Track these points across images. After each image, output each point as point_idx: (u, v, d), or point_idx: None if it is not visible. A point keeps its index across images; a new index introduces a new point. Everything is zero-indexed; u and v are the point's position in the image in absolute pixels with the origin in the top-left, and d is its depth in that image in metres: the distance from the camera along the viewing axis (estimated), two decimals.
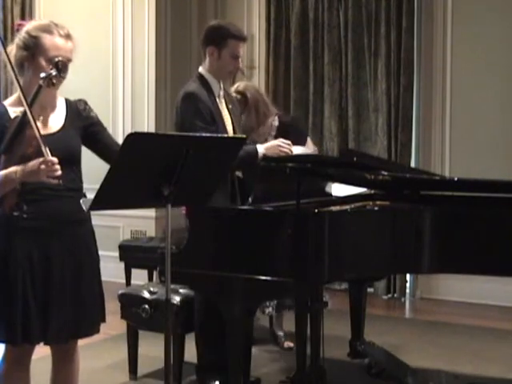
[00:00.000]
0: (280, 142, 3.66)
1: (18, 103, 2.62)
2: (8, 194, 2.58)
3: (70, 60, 2.67)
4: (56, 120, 2.73)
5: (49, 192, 2.61)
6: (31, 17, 7.19)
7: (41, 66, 2.61)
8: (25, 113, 2.51)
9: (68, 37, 2.69)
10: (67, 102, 2.81)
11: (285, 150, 3.61)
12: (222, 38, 3.63)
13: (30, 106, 2.51)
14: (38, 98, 2.54)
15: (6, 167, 2.55)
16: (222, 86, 3.75)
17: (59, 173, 2.49)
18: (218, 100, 3.70)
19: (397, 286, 6.25)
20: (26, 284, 2.62)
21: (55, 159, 2.48)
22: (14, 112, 2.62)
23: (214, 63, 3.67)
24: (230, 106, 3.79)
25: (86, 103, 2.84)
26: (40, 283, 2.65)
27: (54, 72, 2.56)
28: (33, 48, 2.62)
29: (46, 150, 2.47)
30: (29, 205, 2.61)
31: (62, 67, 2.58)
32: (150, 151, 2.46)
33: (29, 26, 2.68)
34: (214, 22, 3.86)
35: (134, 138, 2.41)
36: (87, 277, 2.83)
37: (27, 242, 2.63)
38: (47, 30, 2.64)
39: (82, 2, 7.02)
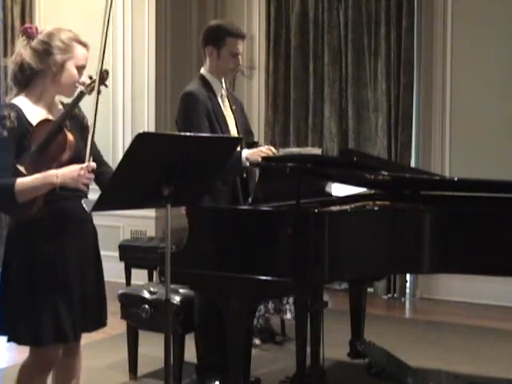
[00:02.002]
0: (264, 147, 3.66)
1: (35, 102, 2.69)
2: (39, 196, 2.61)
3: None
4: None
5: (63, 193, 2.65)
6: (31, 17, 7.19)
7: (72, 73, 2.71)
8: (62, 118, 2.64)
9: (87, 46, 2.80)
10: (64, 105, 2.85)
11: (265, 152, 3.61)
12: (219, 37, 3.63)
13: (69, 113, 2.65)
14: (78, 104, 2.70)
15: (35, 170, 2.58)
16: (224, 85, 3.75)
17: (92, 180, 2.60)
18: (220, 100, 3.70)
19: (397, 285, 6.25)
20: (51, 285, 2.67)
21: (94, 165, 2.59)
22: (33, 115, 2.67)
23: (214, 63, 3.67)
24: (233, 107, 3.78)
25: (80, 109, 2.87)
26: (61, 283, 2.70)
27: (95, 82, 2.65)
28: (63, 54, 2.69)
29: (90, 157, 2.58)
30: (48, 206, 2.64)
31: (106, 77, 2.68)
32: (155, 151, 2.47)
33: (56, 32, 2.73)
34: (212, 22, 3.87)
35: (143, 137, 2.42)
36: (95, 273, 2.91)
37: (49, 243, 2.68)
38: (77, 39, 2.75)
39: (82, 1, 7.01)
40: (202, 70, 3.75)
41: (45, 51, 2.69)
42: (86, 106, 2.88)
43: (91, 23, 6.88)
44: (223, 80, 3.76)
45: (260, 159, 3.50)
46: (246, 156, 3.55)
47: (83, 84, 2.70)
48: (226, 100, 3.76)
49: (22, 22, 7.10)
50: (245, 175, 3.70)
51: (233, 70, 3.76)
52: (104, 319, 2.89)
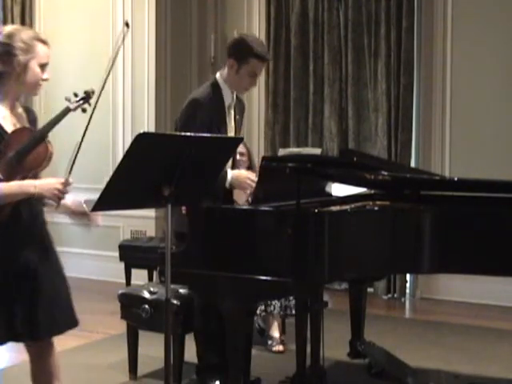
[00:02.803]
0: (248, 177, 3.62)
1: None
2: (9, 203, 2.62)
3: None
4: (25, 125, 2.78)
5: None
6: (31, 17, 7.20)
7: (35, 72, 2.71)
8: (46, 130, 2.64)
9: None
10: (28, 111, 2.87)
11: (249, 184, 3.59)
12: (244, 55, 3.57)
13: (53, 126, 2.64)
14: (62, 119, 2.69)
15: (9, 177, 2.59)
16: (234, 97, 3.73)
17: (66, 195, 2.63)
18: (226, 110, 3.69)
19: (397, 285, 6.25)
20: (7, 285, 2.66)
21: (72, 181, 2.62)
22: (4, 120, 2.66)
23: (232, 76, 3.63)
24: (237, 117, 3.78)
25: (34, 112, 2.91)
26: (33, 285, 2.69)
27: (83, 101, 2.70)
28: (26, 55, 2.68)
29: (71, 173, 2.61)
30: (16, 209, 2.65)
31: (92, 95, 2.72)
32: (155, 151, 2.47)
33: (17, 32, 2.72)
34: (242, 35, 3.85)
35: (143, 137, 2.42)
36: (61, 271, 2.88)
37: (21, 244, 2.68)
38: (38, 38, 2.74)
39: (82, 2, 7.02)
40: (218, 76, 3.70)
41: (7, 53, 2.68)
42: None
43: (91, 23, 6.94)
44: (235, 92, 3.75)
45: (244, 188, 3.57)
46: (230, 182, 3.56)
47: (46, 80, 2.73)
48: (233, 110, 3.74)
49: (22, 22, 7.11)
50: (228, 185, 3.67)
51: (247, 88, 3.74)
52: (75, 318, 2.86)
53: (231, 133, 3.70)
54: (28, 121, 2.80)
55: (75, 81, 6.65)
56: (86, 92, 2.72)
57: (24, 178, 2.61)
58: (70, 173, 2.63)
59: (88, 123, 2.62)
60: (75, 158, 2.62)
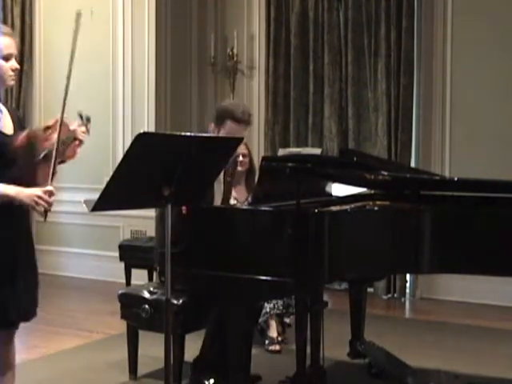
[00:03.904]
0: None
1: None
2: None
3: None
4: (7, 123, 2.77)
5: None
6: (31, 17, 7.20)
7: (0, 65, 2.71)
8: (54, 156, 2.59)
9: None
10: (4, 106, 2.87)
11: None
12: (221, 118, 3.59)
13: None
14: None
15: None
16: None
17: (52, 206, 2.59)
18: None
19: (397, 285, 6.25)
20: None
21: (53, 190, 2.58)
22: None
23: None
24: (228, 179, 3.77)
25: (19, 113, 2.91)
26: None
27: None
28: None
29: (52, 181, 2.58)
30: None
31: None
32: (155, 151, 2.47)
33: None
34: (224, 103, 3.88)
35: (143, 137, 2.42)
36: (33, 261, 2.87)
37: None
38: None
39: (82, 2, 7.01)
40: None
41: None
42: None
43: (91, 23, 6.93)
44: None
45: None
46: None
47: (16, 70, 2.73)
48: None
49: (22, 21, 7.11)
50: None
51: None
52: (35, 308, 2.86)
53: (219, 197, 3.68)
54: (12, 121, 2.80)
55: (74, 80, 6.65)
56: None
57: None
58: (52, 180, 2.59)
59: (63, 108, 2.62)
60: (55, 165, 2.59)
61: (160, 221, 3.73)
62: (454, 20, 6.11)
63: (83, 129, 2.74)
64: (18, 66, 2.76)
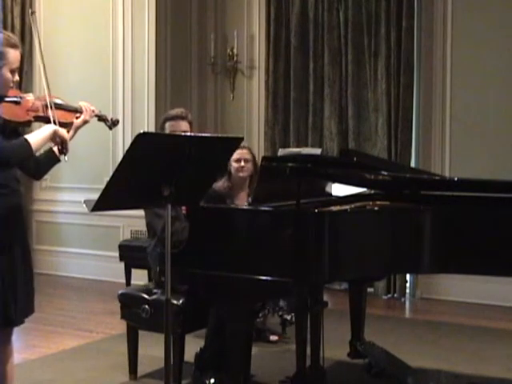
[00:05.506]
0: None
1: None
2: None
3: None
4: None
5: (14, 185, 2.76)
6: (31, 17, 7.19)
7: (6, 77, 2.78)
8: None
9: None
10: None
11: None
12: (161, 125, 3.85)
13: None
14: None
15: None
16: None
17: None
18: None
19: (397, 285, 6.25)
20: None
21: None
22: None
23: None
24: None
25: None
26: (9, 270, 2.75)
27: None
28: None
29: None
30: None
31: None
32: (155, 151, 2.47)
33: None
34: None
35: (143, 137, 2.42)
36: (29, 260, 2.92)
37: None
38: (9, 43, 2.78)
39: (82, 2, 7.02)
40: None
41: None
42: None
43: (91, 23, 6.94)
44: None
45: None
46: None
47: (16, 82, 2.82)
48: None
49: (22, 22, 7.11)
50: None
51: None
52: (33, 306, 2.90)
53: None
54: None
55: (75, 80, 6.68)
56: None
57: None
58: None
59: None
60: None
61: (154, 215, 3.77)
62: (454, 20, 6.11)
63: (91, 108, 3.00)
64: (18, 79, 2.85)
